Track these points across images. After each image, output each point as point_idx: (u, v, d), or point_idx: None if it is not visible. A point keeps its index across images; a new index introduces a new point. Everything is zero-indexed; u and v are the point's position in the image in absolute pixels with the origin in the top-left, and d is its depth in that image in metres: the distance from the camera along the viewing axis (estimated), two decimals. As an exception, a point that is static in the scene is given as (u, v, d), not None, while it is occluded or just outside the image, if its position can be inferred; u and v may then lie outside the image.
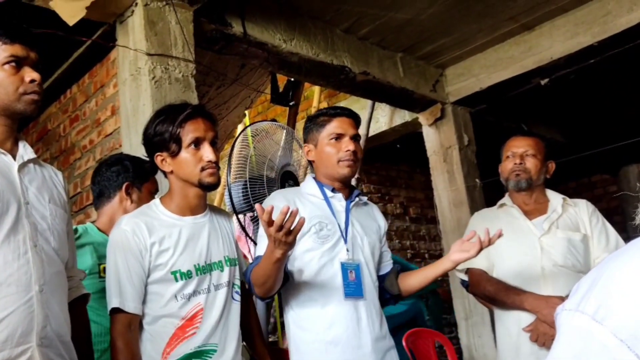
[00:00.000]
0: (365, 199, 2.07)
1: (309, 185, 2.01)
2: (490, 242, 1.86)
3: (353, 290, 1.85)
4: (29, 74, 1.42)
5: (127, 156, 2.12)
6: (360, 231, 1.95)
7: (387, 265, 2.06)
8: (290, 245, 1.60)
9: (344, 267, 1.86)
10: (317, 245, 1.86)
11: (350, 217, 1.95)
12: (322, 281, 1.85)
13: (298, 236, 1.64)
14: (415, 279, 1.99)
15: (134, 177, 2.00)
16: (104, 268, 1.78)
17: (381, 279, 2.01)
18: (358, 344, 1.81)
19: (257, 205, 1.58)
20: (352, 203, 1.98)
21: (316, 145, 1.96)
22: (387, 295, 2.01)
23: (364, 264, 1.91)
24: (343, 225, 1.92)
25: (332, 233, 1.88)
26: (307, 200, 1.94)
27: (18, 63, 1.42)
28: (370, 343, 1.83)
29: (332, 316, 1.82)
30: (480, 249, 1.84)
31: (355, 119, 1.99)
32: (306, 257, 1.86)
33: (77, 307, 1.59)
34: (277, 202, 1.82)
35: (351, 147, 1.91)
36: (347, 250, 1.89)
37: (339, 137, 1.93)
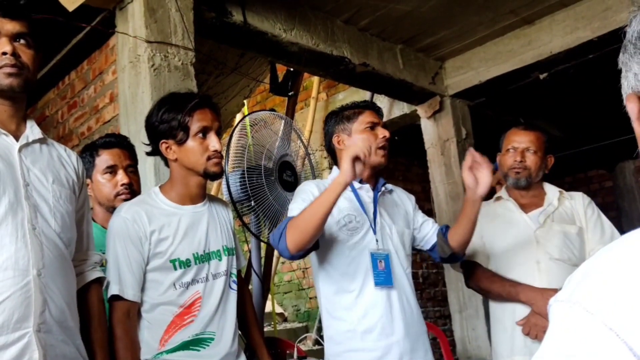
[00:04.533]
0: (390, 187, 2.10)
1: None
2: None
3: (383, 279, 1.89)
4: (1, 47, 1.37)
5: (83, 148, 2.10)
6: (388, 221, 2.00)
7: (432, 237, 2.08)
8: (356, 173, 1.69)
9: (374, 257, 1.90)
10: (346, 237, 1.91)
11: (378, 208, 1.99)
12: (353, 272, 1.89)
13: (327, 227, 1.83)
14: (458, 230, 2.00)
15: (88, 169, 1.94)
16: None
17: (432, 249, 2.08)
18: (391, 331, 1.86)
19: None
20: (379, 193, 2.02)
21: (350, 135, 2.00)
22: (442, 258, 2.07)
23: (394, 253, 1.95)
24: (372, 216, 1.97)
25: (360, 225, 1.93)
26: None
27: None
28: (402, 329, 1.87)
29: (366, 306, 1.86)
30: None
31: (381, 113, 2.09)
32: (337, 249, 1.91)
33: (91, 291, 1.57)
34: (311, 188, 1.92)
35: (387, 133, 1.99)
36: (377, 241, 1.93)
37: (373, 126, 2.00)
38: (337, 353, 1.88)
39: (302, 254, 1.78)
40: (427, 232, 2.09)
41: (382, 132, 1.99)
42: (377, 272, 1.89)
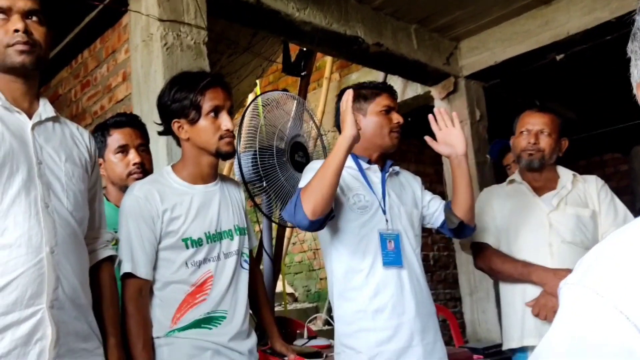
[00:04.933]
0: (397, 168, 2.10)
1: None
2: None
3: (392, 259, 1.89)
4: (13, 24, 1.37)
5: (95, 127, 2.11)
6: (397, 201, 2.00)
7: (441, 214, 2.08)
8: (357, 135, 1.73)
9: (383, 237, 1.90)
10: (356, 216, 1.91)
11: (386, 188, 1.99)
12: (363, 251, 1.89)
13: (338, 203, 1.85)
14: (458, 197, 2.00)
15: (100, 149, 1.95)
16: None
17: (443, 225, 2.07)
18: (402, 310, 1.86)
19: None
20: (387, 174, 2.02)
21: (365, 115, 2.00)
22: (454, 232, 2.06)
23: (403, 233, 1.95)
24: (380, 197, 1.96)
25: (370, 204, 1.93)
26: (344, 172, 1.95)
27: (4, 14, 1.37)
28: (414, 309, 1.87)
29: (376, 285, 1.86)
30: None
31: (396, 97, 2.10)
32: (348, 227, 1.91)
33: (103, 269, 1.58)
34: (319, 166, 1.88)
35: (401, 119, 2.00)
36: (387, 221, 1.93)
37: (389, 110, 2.00)
38: (348, 333, 1.88)
39: (321, 220, 1.77)
40: (436, 209, 2.09)
41: (397, 118, 2.00)
42: (386, 252, 1.89)
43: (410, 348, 1.84)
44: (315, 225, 1.77)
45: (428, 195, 2.12)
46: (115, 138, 1.99)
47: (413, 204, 2.06)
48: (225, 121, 1.72)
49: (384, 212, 1.93)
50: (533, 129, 2.24)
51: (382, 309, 1.85)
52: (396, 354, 1.83)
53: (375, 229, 1.90)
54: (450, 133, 1.97)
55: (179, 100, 1.71)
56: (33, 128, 1.42)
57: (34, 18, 1.41)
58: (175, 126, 1.74)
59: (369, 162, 2.01)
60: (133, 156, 1.98)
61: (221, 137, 1.72)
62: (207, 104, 1.70)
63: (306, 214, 1.72)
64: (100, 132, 2.01)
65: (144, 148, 2.04)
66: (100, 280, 1.56)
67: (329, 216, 1.82)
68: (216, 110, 1.72)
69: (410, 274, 1.91)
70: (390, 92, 2.06)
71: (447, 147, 1.98)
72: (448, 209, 2.04)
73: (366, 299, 1.86)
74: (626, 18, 0.64)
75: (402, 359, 1.83)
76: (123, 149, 1.98)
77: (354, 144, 1.74)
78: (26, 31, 1.38)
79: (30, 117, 1.43)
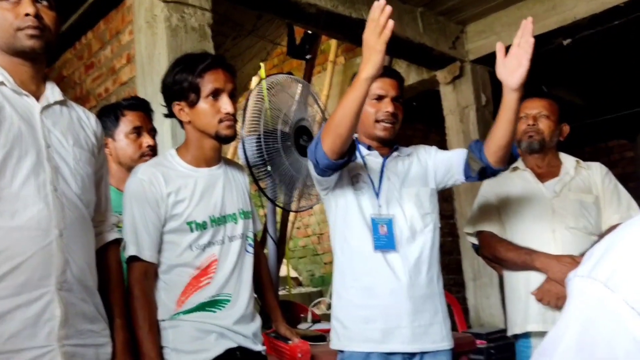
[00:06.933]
0: (409, 150, 2.06)
1: None
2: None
3: (384, 243, 1.89)
4: (24, 7, 1.36)
5: (102, 108, 2.13)
6: (397, 185, 1.97)
7: (460, 162, 1.94)
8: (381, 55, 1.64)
9: (374, 222, 1.90)
10: (353, 197, 1.93)
11: (385, 172, 1.97)
12: (357, 233, 1.91)
13: (337, 184, 1.88)
14: (496, 134, 1.80)
15: (106, 130, 1.94)
16: None
17: (467, 176, 1.95)
18: (391, 289, 1.86)
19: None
20: (388, 158, 2.00)
21: None
22: (479, 175, 1.93)
23: (401, 216, 1.93)
24: (377, 182, 1.96)
25: (367, 185, 1.94)
26: None
27: None
28: (405, 289, 1.87)
29: (366, 266, 1.89)
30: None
31: (398, 81, 2.00)
32: (346, 208, 1.94)
33: (109, 252, 1.59)
34: None
35: (390, 108, 1.94)
36: (379, 206, 1.92)
37: (380, 98, 1.95)
38: (341, 306, 1.92)
39: (339, 164, 1.77)
40: (453, 162, 1.97)
41: (386, 107, 1.93)
42: (377, 236, 1.90)
43: (397, 329, 1.84)
44: (333, 167, 1.79)
45: (441, 154, 2.03)
46: (130, 119, 2.03)
47: (422, 182, 2.01)
48: (225, 104, 1.70)
49: (378, 196, 1.94)
50: (531, 112, 2.27)
51: (370, 288, 1.87)
52: (382, 334, 1.84)
53: (367, 213, 1.92)
54: (520, 56, 1.73)
55: (179, 82, 1.70)
56: (41, 112, 1.41)
57: (44, 2, 1.41)
58: (176, 108, 1.74)
59: (369, 148, 2.01)
60: (147, 138, 2.04)
61: (221, 121, 1.70)
62: (206, 87, 1.69)
63: (326, 153, 1.73)
64: (112, 112, 2.04)
65: (153, 133, 2.10)
66: (107, 263, 1.57)
67: (347, 162, 1.81)
68: (215, 93, 1.69)
69: (403, 257, 1.90)
70: (389, 76, 1.96)
71: (505, 68, 1.73)
72: (470, 152, 1.91)
73: (358, 277, 1.90)
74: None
75: (388, 339, 1.84)
76: (137, 131, 2.03)
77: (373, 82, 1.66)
78: (37, 15, 1.37)
79: (37, 100, 1.43)
